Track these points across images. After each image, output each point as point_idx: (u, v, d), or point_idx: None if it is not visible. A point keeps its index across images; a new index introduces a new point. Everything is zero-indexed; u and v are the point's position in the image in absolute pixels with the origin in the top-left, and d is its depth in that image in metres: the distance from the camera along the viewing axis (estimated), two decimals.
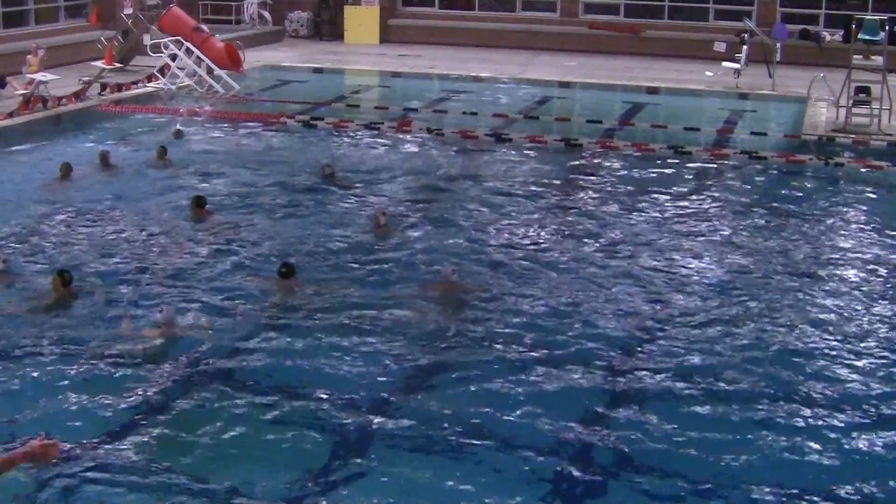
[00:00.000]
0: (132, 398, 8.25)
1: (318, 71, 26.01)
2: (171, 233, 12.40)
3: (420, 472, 7.31)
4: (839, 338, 9.71)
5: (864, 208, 14.37)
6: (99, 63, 22.86)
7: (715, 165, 16.72)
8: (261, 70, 25.32)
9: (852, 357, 9.32)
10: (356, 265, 11.42)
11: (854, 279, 11.37)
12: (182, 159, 15.91)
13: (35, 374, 8.60)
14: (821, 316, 10.25)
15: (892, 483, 7.28)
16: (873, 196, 15.07)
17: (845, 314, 10.31)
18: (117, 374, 8.64)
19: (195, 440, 7.65)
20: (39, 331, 9.40)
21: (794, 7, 27.71)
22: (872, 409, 8.33)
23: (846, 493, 7.16)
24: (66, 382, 8.45)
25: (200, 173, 15.28)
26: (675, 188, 15.23)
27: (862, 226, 13.51)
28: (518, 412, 8.10)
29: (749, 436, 7.82)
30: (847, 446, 7.75)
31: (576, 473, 7.34)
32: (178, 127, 18.03)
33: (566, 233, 12.85)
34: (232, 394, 8.38)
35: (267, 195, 14.25)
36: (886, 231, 13.19)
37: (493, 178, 15.56)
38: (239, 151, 16.96)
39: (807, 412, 8.22)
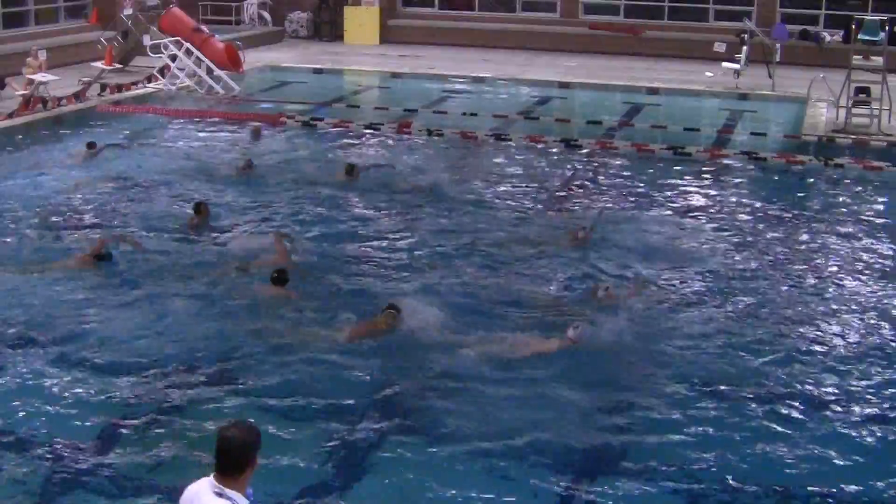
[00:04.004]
0: (132, 402, 8.26)
1: (318, 71, 26.00)
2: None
3: (424, 477, 7.31)
4: (837, 337, 9.73)
5: (864, 209, 14.36)
6: (99, 64, 22.87)
7: (714, 166, 16.71)
8: (261, 71, 25.33)
9: (853, 356, 9.33)
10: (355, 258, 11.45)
11: (854, 280, 11.37)
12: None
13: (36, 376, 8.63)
14: (820, 316, 10.26)
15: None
16: (873, 197, 15.06)
17: (844, 314, 10.31)
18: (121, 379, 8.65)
19: (196, 444, 7.65)
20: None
21: (793, 7, 27.68)
22: (871, 408, 8.34)
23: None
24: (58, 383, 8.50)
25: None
26: (673, 189, 15.25)
27: (861, 226, 13.50)
28: (524, 415, 8.10)
29: (757, 439, 7.83)
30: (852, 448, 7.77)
31: (582, 479, 7.36)
32: (256, 124, 18.08)
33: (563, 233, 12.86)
34: (233, 398, 8.37)
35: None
36: (886, 231, 13.20)
37: (486, 178, 15.59)
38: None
39: (805, 412, 8.24)
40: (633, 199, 14.57)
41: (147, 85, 22.06)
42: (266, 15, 30.99)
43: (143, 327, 9.59)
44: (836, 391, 8.64)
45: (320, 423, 8.01)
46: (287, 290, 10.29)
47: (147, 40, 22.76)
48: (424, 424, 8.00)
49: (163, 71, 22.26)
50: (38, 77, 19.78)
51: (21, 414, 7.98)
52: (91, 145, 16.25)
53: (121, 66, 23.62)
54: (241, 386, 8.56)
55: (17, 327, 9.57)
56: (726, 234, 13.04)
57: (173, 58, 22.12)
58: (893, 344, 9.67)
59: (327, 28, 30.99)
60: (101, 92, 20.84)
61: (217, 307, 10.11)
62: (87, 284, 10.59)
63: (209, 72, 22.42)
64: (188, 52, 22.21)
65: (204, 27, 23.63)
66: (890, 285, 11.22)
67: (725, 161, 16.95)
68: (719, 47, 24.02)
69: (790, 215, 13.94)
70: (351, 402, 8.31)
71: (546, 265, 11.54)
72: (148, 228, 12.59)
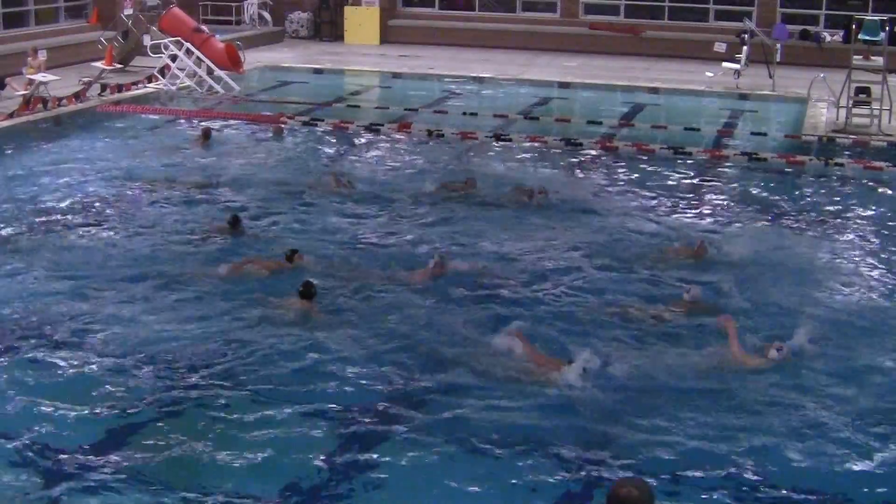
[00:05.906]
0: (145, 403, 8.26)
1: (318, 71, 26.02)
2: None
3: (429, 477, 7.31)
4: (838, 337, 9.70)
5: (864, 209, 14.36)
6: (99, 64, 22.88)
7: (714, 166, 16.71)
8: (261, 71, 25.33)
9: (855, 355, 9.32)
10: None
11: (855, 280, 11.36)
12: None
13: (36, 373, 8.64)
14: (818, 315, 10.23)
15: None
16: (873, 197, 15.06)
17: (843, 314, 10.30)
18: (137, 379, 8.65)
19: (201, 445, 7.64)
20: None
21: (794, 7, 27.73)
22: (869, 406, 8.35)
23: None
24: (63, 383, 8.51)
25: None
26: (673, 189, 15.24)
27: (862, 226, 13.51)
28: (525, 415, 8.10)
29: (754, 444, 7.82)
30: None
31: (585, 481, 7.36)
32: (278, 124, 18.28)
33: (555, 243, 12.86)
34: (242, 399, 8.35)
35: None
36: (886, 232, 13.20)
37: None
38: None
39: (806, 413, 8.24)
40: (629, 199, 14.56)
41: (147, 85, 22.07)
42: (266, 15, 31.01)
43: (162, 328, 9.56)
44: (833, 389, 8.63)
45: (322, 424, 8.01)
46: (311, 305, 10.02)
47: (147, 40, 22.78)
48: (427, 425, 8.00)
49: (163, 71, 22.27)
50: (39, 77, 19.78)
51: (22, 412, 7.99)
52: (206, 133, 17.27)
53: (121, 66, 23.63)
54: (245, 387, 8.55)
55: (21, 323, 9.58)
56: (722, 234, 13.02)
57: (173, 58, 22.13)
58: (890, 346, 9.65)
59: (327, 28, 31.02)
60: (102, 92, 20.84)
61: (237, 313, 10.00)
62: (96, 283, 10.57)
63: (209, 72, 22.44)
64: (188, 52, 22.22)
65: (204, 27, 23.65)
66: (889, 284, 11.22)
67: (725, 161, 16.94)
68: (719, 47, 24.04)
69: (789, 215, 13.92)
70: (353, 402, 8.31)
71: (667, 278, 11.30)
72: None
